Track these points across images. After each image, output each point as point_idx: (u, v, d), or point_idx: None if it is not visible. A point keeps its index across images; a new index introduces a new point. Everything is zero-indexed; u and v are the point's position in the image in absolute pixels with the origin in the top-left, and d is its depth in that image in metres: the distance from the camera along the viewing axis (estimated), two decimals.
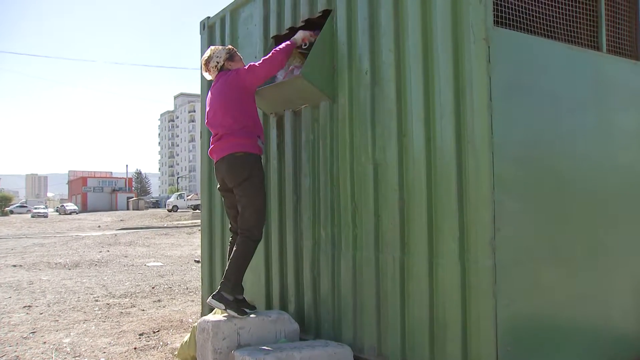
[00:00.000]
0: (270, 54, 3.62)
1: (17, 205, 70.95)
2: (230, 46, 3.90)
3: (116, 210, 64.11)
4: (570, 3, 3.30)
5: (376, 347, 3.22)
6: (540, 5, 3.16)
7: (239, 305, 3.47)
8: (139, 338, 4.66)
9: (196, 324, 3.61)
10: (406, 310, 3.04)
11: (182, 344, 3.88)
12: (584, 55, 3.28)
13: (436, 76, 2.90)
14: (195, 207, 39.43)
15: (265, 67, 3.58)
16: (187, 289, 7.23)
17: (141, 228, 24.17)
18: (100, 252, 12.69)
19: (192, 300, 6.35)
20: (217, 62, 3.74)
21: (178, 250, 13.01)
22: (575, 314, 3.02)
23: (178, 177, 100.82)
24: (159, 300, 6.39)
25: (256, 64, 3.62)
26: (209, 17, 5.16)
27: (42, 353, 4.27)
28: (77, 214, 54.39)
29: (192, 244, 14.40)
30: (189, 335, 3.82)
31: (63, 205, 61.33)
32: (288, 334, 3.49)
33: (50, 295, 6.84)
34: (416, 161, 2.99)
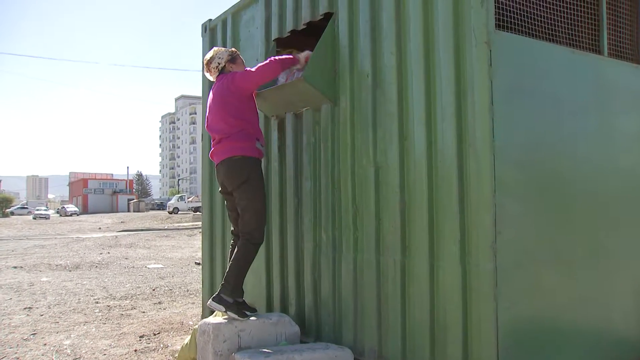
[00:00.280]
0: (266, 61, 3.63)
1: (18, 206, 70.96)
2: (233, 49, 3.91)
3: (117, 212, 64.12)
4: (571, 7, 3.31)
5: (377, 349, 3.22)
6: (541, 9, 3.17)
7: (239, 307, 3.47)
8: (140, 340, 4.66)
9: (197, 326, 3.62)
10: (407, 313, 3.04)
11: (182, 347, 3.88)
12: (585, 58, 3.29)
13: (437, 79, 2.90)
14: (196, 209, 39.45)
15: (259, 74, 3.59)
16: (187, 291, 7.23)
17: (142, 230, 24.17)
18: (101, 253, 12.69)
19: (193, 303, 6.35)
20: (219, 64, 3.75)
21: (179, 252, 13.01)
22: (576, 317, 3.02)
23: (179, 179, 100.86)
24: (159, 303, 6.39)
25: (252, 69, 3.64)
26: (210, 20, 5.17)
27: (43, 355, 4.27)
28: (77, 215, 54.39)
29: (192, 246, 14.40)
30: (189, 337, 3.82)
31: (64, 207, 61.34)
32: (289, 336, 3.49)
33: (50, 296, 6.84)
34: (417, 164, 3.00)
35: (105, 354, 4.26)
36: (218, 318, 3.50)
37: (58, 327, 5.16)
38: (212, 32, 5.12)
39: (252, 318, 3.45)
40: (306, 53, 3.73)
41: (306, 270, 3.82)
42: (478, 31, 2.68)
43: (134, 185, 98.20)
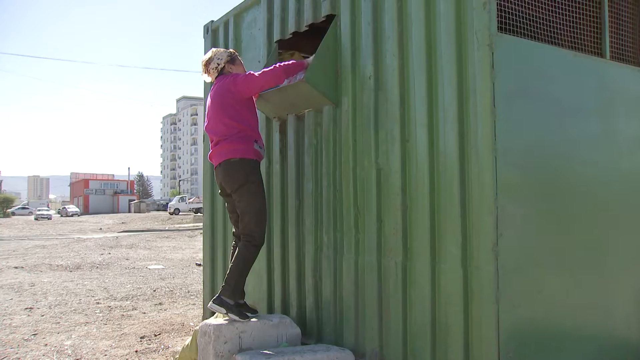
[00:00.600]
0: (271, 67, 3.59)
1: (19, 207, 71.02)
2: (232, 49, 3.91)
3: (118, 212, 64.17)
4: (573, 10, 3.31)
5: (378, 351, 3.22)
6: (544, 11, 3.17)
7: (240, 309, 3.46)
8: (140, 341, 4.66)
9: (198, 327, 3.61)
10: (408, 315, 3.04)
11: (183, 348, 3.88)
12: (588, 61, 3.29)
13: (440, 81, 2.91)
14: (197, 210, 39.47)
15: (262, 80, 3.56)
16: (188, 292, 7.23)
17: (143, 231, 24.17)
18: (102, 254, 12.69)
19: (194, 304, 6.35)
20: (218, 64, 3.72)
21: (179, 253, 13.01)
22: (578, 320, 3.02)
23: (180, 180, 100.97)
24: (160, 304, 6.39)
25: (255, 74, 3.59)
26: (212, 21, 5.18)
27: (44, 355, 4.27)
28: (78, 216, 54.42)
29: (193, 247, 14.39)
30: (190, 338, 3.82)
31: (65, 207, 61.36)
32: (290, 338, 3.49)
33: (51, 297, 6.85)
34: (419, 166, 3.00)
35: (106, 355, 4.26)
36: (219, 319, 3.50)
37: (59, 328, 5.16)
38: (214, 34, 5.13)
39: (253, 319, 3.45)
40: (312, 60, 3.71)
41: (307, 272, 3.82)
42: (480, 34, 2.68)
43: (135, 186, 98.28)
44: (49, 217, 47.33)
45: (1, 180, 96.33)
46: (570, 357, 2.93)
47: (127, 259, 11.53)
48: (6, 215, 57.20)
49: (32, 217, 50.48)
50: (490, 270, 2.59)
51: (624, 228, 3.33)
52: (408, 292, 3.05)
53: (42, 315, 5.73)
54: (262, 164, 3.76)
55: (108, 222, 34.41)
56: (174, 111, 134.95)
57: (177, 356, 3.99)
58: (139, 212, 55.66)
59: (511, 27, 2.93)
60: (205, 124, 3.77)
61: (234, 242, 3.82)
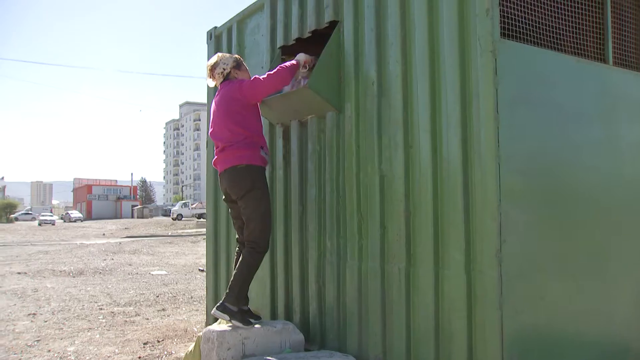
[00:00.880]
0: (275, 70, 3.60)
1: (22, 212, 71.18)
2: (237, 55, 3.92)
3: (121, 218, 64.27)
4: (576, 15, 3.32)
5: (381, 357, 3.22)
6: (547, 17, 3.18)
7: (243, 315, 3.47)
8: (144, 347, 4.66)
9: (201, 333, 3.62)
10: (412, 321, 3.04)
11: (186, 354, 3.88)
12: (591, 67, 3.29)
13: (443, 87, 2.92)
14: (200, 216, 39.51)
15: (269, 83, 3.56)
16: (191, 297, 7.24)
17: (146, 236, 24.21)
18: (105, 260, 12.71)
19: (197, 310, 6.36)
20: (224, 69, 3.74)
21: (182, 258, 13.02)
22: (580, 326, 3.01)
23: (182, 186, 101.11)
24: (163, 309, 6.40)
25: (260, 77, 3.60)
26: (216, 27, 5.21)
27: None
28: (82, 221, 54.54)
29: (196, 253, 14.41)
30: (193, 344, 3.82)
31: (68, 213, 61.49)
32: (293, 344, 3.49)
33: (54, 303, 6.86)
34: (422, 172, 3.00)
35: None
36: (222, 325, 3.50)
37: (62, 334, 5.17)
38: (217, 40, 5.16)
39: (256, 326, 3.46)
40: (304, 56, 3.73)
41: (311, 278, 3.82)
42: (483, 40, 2.70)
43: (138, 191, 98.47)
44: (52, 223, 47.41)
45: (4, 186, 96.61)
46: None
47: (130, 265, 11.55)
48: (9, 221, 57.31)
49: (35, 223, 50.59)
50: (493, 276, 2.59)
51: (626, 234, 3.33)
52: (411, 297, 3.05)
53: (45, 321, 5.74)
54: (265, 170, 3.77)
55: (111, 227, 34.47)
56: (177, 116, 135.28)
57: None
58: (142, 218, 55.76)
59: (514, 33, 2.94)
60: (210, 130, 3.78)
61: (237, 249, 3.82)
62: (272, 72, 3.60)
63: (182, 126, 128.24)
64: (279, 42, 4.24)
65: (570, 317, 2.94)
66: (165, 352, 4.49)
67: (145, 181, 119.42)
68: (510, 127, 2.70)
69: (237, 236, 3.83)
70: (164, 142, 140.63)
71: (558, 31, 3.22)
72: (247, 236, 3.57)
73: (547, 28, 3.16)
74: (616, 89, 3.41)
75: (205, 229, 5.41)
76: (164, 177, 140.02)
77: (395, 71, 3.21)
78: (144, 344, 4.77)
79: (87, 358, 4.35)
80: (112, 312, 6.21)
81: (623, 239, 3.31)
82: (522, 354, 2.65)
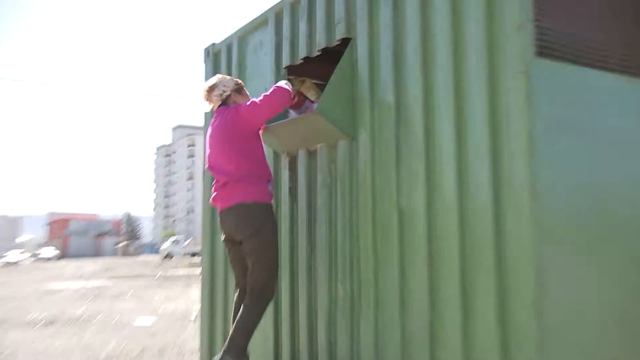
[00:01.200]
0: (272, 89, 3.69)
1: None
2: (239, 79, 4.00)
3: (101, 256, 64.35)
4: (625, 28, 3.33)
5: None
6: (591, 31, 3.18)
7: None
8: None
9: None
10: None
11: None
12: None
13: (470, 112, 2.96)
14: (194, 254, 39.47)
15: (267, 104, 3.62)
16: (181, 351, 7.20)
17: (130, 277, 24.18)
18: (82, 306, 12.70)
19: None
20: (223, 91, 3.82)
21: (172, 304, 12.98)
22: None
23: (174, 220, 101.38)
24: None
25: (257, 100, 3.67)
26: (214, 44, 5.32)
27: None
28: (57, 260, 54.55)
29: (188, 298, 14.35)
30: None
31: (39, 252, 61.50)
32: None
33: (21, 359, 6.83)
34: (447, 209, 3.02)
35: None
36: None
37: None
38: (215, 58, 5.26)
39: None
40: (283, 82, 3.78)
41: (320, 329, 3.81)
42: (515, 59, 2.75)
43: (122, 226, 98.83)
44: (15, 263, 46.72)
45: None
46: None
47: (111, 312, 11.53)
48: None
49: None
50: (531, 330, 2.58)
51: None
52: (435, 353, 3.03)
53: None
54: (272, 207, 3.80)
55: (90, 268, 34.47)
56: (168, 141, 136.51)
57: None
58: (127, 256, 55.78)
59: (552, 51, 2.96)
60: (208, 163, 3.83)
61: (236, 294, 3.83)
62: (268, 92, 3.67)
63: (175, 152, 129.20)
64: (285, 62, 4.31)
65: None
66: None
67: (130, 215, 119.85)
68: (548, 157, 2.72)
69: (236, 282, 3.84)
70: (155, 170, 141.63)
71: (604, 46, 3.21)
72: (251, 283, 3.58)
73: (591, 43, 3.15)
74: None
75: (199, 270, 5.42)
76: (154, 209, 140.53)
77: (416, 94, 3.26)
78: None
79: None
80: None
81: None
82: None
